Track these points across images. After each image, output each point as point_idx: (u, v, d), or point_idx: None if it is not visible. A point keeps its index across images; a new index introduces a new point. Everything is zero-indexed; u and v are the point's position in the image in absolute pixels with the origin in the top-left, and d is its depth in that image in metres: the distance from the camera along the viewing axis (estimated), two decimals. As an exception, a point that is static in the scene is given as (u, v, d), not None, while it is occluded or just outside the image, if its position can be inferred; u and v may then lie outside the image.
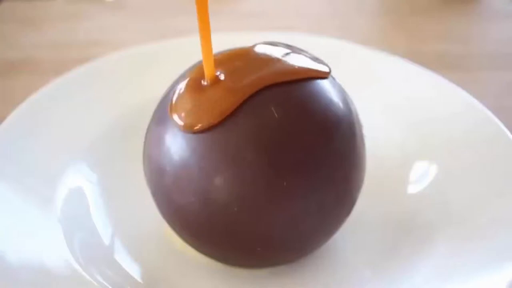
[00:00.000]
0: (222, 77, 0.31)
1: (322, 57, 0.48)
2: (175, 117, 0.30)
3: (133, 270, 0.35)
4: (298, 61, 0.32)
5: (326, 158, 0.30)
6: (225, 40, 0.50)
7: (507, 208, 0.34)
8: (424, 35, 0.62)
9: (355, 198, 0.33)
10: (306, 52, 0.34)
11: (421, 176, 0.40)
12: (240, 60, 0.32)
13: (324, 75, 0.32)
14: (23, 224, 0.34)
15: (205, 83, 0.31)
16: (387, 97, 0.45)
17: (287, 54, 0.33)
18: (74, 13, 0.67)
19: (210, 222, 0.30)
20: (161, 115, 0.32)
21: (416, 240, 0.36)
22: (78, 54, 0.56)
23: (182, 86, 0.32)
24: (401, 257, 0.35)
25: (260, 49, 0.33)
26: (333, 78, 0.33)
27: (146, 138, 0.33)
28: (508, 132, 0.38)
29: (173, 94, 0.32)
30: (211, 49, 0.31)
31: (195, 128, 0.29)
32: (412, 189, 0.40)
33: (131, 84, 0.46)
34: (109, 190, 0.39)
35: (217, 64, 0.32)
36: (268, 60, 0.32)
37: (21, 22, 0.64)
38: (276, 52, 0.33)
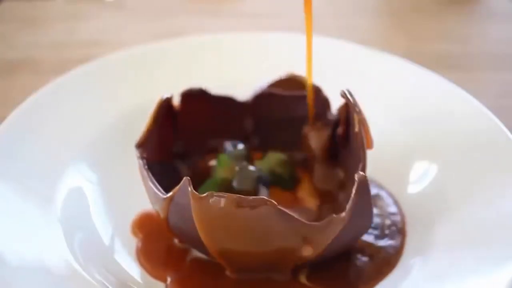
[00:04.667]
0: None
1: (322, 57, 0.48)
2: None
3: (133, 270, 0.35)
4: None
5: None
6: (225, 40, 0.50)
7: (507, 208, 0.34)
8: (424, 35, 0.62)
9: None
10: None
11: (421, 176, 0.40)
12: None
13: None
14: (23, 224, 0.34)
15: None
16: (387, 97, 0.45)
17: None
18: (74, 13, 0.66)
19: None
20: None
21: (416, 240, 0.36)
22: (78, 54, 0.56)
23: None
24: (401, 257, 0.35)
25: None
26: None
27: None
28: (508, 132, 0.38)
29: None
30: None
31: None
32: (412, 189, 0.40)
33: (131, 84, 0.46)
34: (109, 190, 0.39)
35: None
36: None
37: (21, 22, 0.64)
38: None
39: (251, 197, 0.30)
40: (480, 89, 0.46)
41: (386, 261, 0.35)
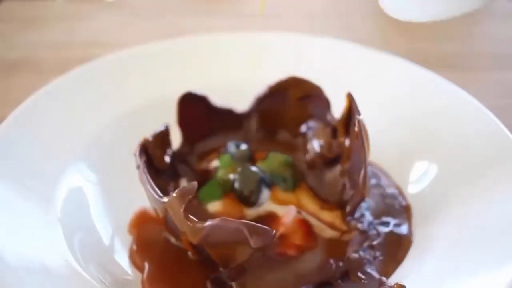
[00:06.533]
0: None
1: (322, 57, 0.48)
2: None
3: (133, 270, 0.35)
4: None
5: None
6: (225, 40, 0.50)
7: (508, 208, 0.34)
8: (424, 35, 0.62)
9: None
10: None
11: (421, 176, 0.40)
12: None
13: None
14: (23, 224, 0.34)
15: None
16: (387, 97, 0.45)
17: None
18: (74, 13, 0.66)
19: None
20: None
21: (416, 240, 0.36)
22: (78, 54, 0.56)
23: None
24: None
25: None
26: None
27: None
28: (507, 132, 0.38)
29: None
30: None
31: None
32: (412, 189, 0.40)
33: (131, 84, 0.46)
34: (109, 190, 0.39)
35: None
36: None
37: (21, 22, 0.64)
38: None
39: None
40: (480, 89, 0.46)
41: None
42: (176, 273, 0.34)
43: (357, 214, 0.37)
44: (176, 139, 0.42)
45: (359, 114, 0.35)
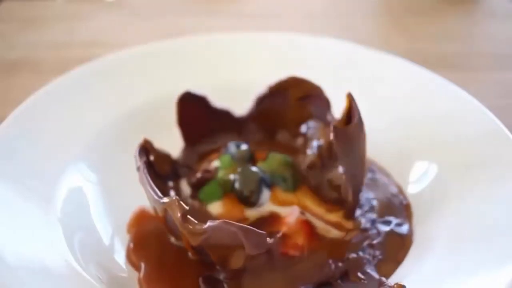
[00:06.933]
0: None
1: (322, 57, 0.48)
2: None
3: (133, 270, 0.35)
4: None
5: None
6: (224, 40, 0.50)
7: (507, 208, 0.34)
8: (424, 35, 0.62)
9: None
10: None
11: (421, 176, 0.40)
12: None
13: None
14: (23, 224, 0.34)
15: None
16: (387, 97, 0.45)
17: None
18: (74, 13, 0.67)
19: None
20: None
21: (416, 240, 0.36)
22: (78, 54, 0.56)
23: None
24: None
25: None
26: None
27: None
28: (507, 132, 0.38)
29: None
30: None
31: None
32: (412, 188, 0.40)
33: (131, 84, 0.46)
34: (109, 190, 0.39)
35: None
36: None
37: (21, 22, 0.64)
38: None
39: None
40: (480, 89, 0.46)
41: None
42: (173, 272, 0.34)
43: (362, 211, 0.38)
44: (176, 139, 0.42)
45: (359, 114, 0.35)
